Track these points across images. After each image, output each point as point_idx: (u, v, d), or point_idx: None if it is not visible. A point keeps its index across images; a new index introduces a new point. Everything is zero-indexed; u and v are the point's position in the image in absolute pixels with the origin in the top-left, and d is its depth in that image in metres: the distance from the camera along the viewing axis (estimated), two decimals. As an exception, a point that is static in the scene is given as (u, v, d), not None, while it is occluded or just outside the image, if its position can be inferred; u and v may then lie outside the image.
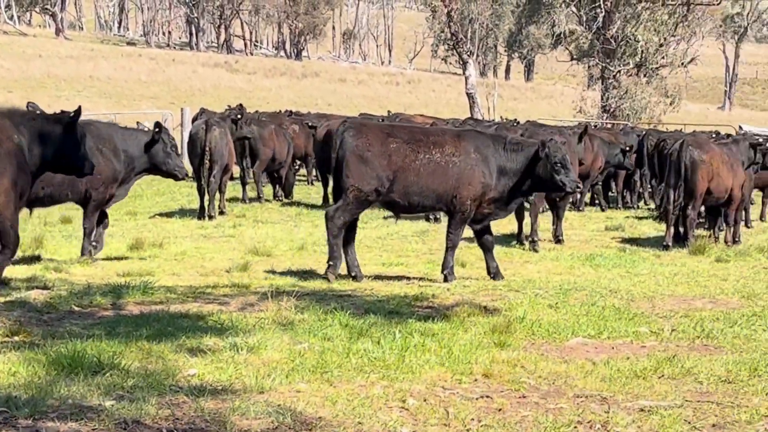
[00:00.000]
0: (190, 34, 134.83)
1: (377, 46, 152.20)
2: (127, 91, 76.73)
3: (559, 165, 14.47)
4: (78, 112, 12.17)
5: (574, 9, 59.01)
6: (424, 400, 8.02)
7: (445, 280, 14.56)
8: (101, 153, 15.32)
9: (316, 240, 18.77)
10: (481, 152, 14.64)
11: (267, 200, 27.58)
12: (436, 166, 14.43)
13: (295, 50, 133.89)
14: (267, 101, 69.60)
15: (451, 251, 14.85)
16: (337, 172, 14.53)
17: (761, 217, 26.44)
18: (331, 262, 14.43)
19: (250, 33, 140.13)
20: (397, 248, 16.40)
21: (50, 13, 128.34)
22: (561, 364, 9.35)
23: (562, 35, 63.65)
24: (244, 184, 27.38)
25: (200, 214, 22.74)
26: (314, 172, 33.76)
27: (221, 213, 23.33)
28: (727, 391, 8.60)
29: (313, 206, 25.91)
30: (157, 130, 16.04)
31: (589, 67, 66.00)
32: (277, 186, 28.60)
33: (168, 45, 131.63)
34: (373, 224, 21.71)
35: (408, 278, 14.67)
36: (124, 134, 16.14)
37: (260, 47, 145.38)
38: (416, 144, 14.49)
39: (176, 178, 16.72)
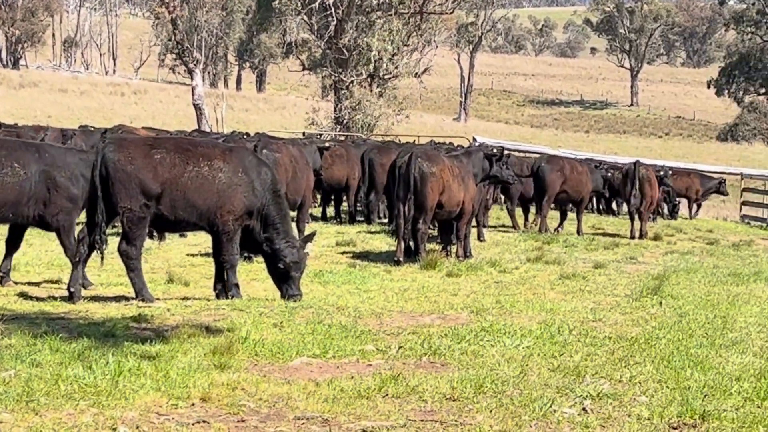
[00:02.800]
0: None
1: (101, 54, 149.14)
2: None
3: None
4: None
5: (305, 17, 58.83)
6: (137, 428, 7.66)
7: (231, 298, 14.11)
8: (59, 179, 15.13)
9: (30, 260, 17.98)
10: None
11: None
12: (204, 180, 13.98)
13: (12, 59, 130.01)
14: (-19, 113, 67.00)
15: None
16: (104, 194, 13.80)
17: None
18: (140, 296, 13.85)
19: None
20: (117, 268, 15.82)
21: None
22: (283, 385, 9.06)
23: (293, 44, 63.47)
24: None
25: None
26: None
27: None
28: (452, 409, 8.49)
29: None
30: None
31: (322, 77, 66.05)
32: None
33: None
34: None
35: (127, 299, 14.10)
36: (82, 158, 15.59)
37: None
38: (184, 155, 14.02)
39: None
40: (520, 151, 42.00)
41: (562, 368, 10.06)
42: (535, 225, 28.80)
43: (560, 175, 28.08)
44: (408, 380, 9.22)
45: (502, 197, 32.14)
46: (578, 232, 28.31)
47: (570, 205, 29.39)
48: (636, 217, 28.95)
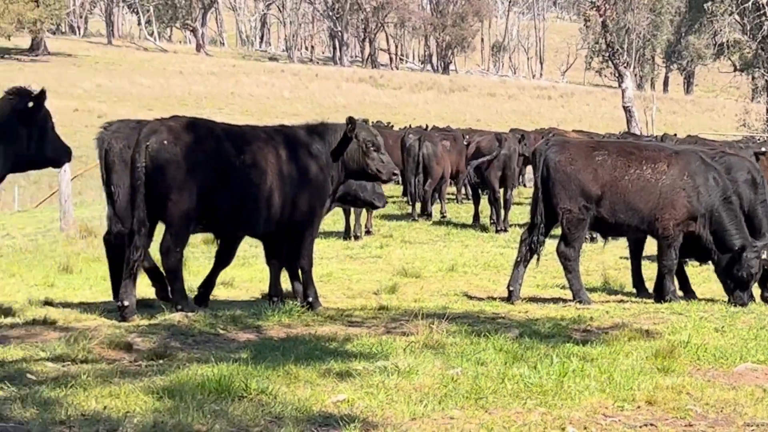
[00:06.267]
0: (334, 48, 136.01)
1: (528, 58, 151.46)
2: (269, 107, 77.24)
3: None
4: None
5: (737, 17, 57.40)
6: (585, 428, 7.65)
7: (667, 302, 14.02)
8: None
9: (466, 261, 18.39)
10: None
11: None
12: (646, 183, 13.97)
13: (443, 64, 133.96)
14: (413, 117, 69.37)
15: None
16: (544, 196, 14.14)
17: None
18: (578, 297, 14.04)
19: (396, 47, 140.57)
20: (552, 269, 15.97)
21: (191, 28, 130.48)
22: (729, 390, 8.80)
23: (724, 45, 61.96)
24: (414, 202, 26.91)
25: (346, 234, 22.49)
26: (464, 190, 33.21)
27: (368, 233, 22.98)
28: None
29: (463, 225, 25.47)
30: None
31: (753, 78, 64.26)
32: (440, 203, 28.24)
33: (311, 60, 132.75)
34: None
35: (564, 300, 14.20)
36: None
37: (406, 61, 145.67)
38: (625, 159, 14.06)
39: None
40: None
41: None
42: None
43: None
44: None
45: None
46: None
47: None
48: None
